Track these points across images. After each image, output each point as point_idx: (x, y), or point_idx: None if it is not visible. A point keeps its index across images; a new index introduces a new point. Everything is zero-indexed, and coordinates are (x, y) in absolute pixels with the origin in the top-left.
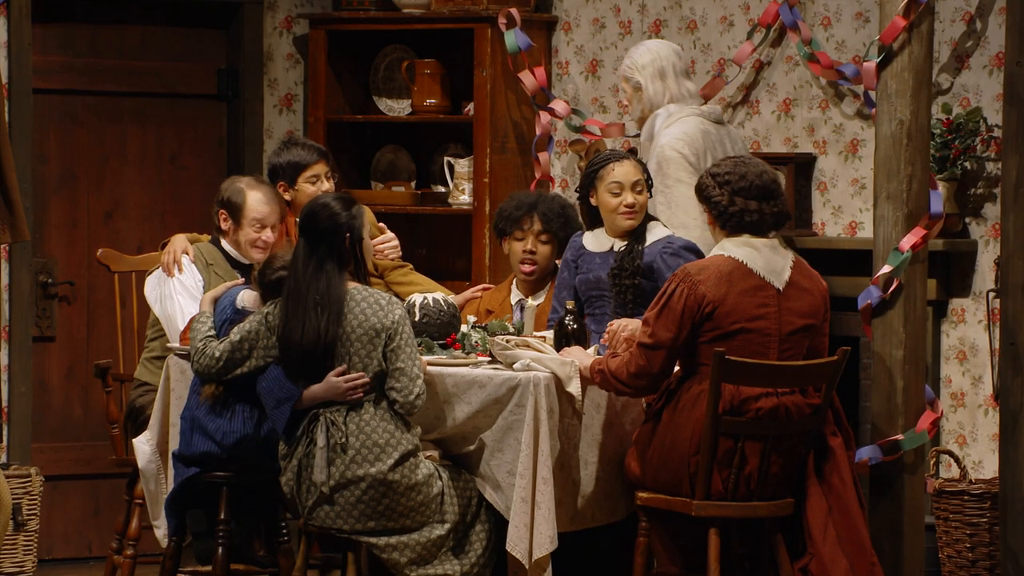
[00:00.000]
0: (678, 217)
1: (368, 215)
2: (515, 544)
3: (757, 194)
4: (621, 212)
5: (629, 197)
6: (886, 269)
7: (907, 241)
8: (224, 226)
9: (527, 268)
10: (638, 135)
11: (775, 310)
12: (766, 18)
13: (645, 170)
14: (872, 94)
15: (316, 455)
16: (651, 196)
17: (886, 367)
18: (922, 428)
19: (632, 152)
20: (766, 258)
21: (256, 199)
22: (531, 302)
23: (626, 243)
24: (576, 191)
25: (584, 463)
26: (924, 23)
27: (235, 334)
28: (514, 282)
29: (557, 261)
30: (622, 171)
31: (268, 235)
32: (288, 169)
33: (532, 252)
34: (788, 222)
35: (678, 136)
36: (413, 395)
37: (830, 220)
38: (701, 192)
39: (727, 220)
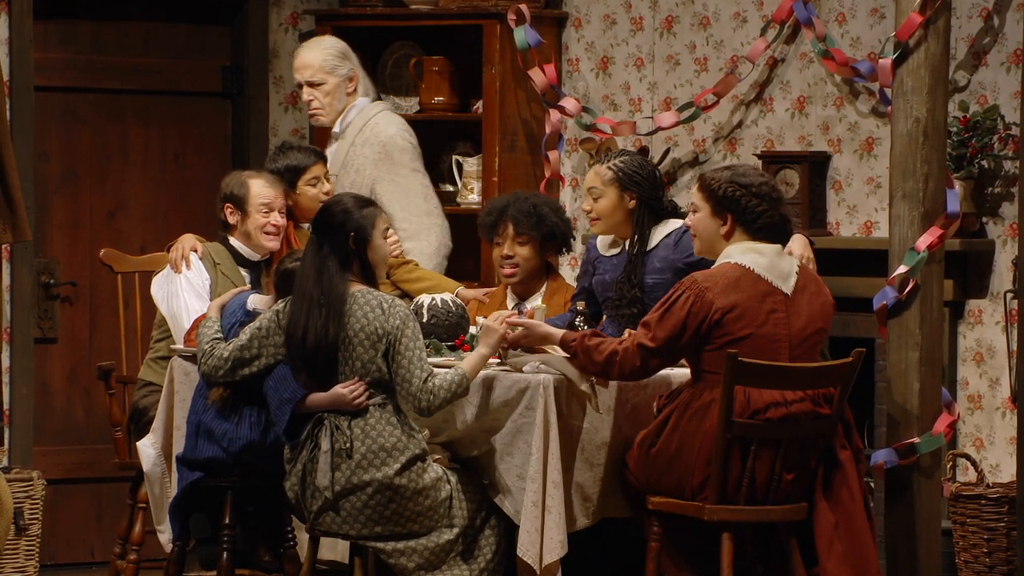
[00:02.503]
0: (419, 205)
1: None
2: (526, 549)
3: (782, 202)
4: (588, 218)
5: (586, 203)
6: (902, 269)
7: (923, 241)
8: (231, 220)
9: (507, 271)
10: (650, 133)
11: (784, 315)
12: (780, 14)
13: (617, 176)
14: (888, 91)
15: (320, 459)
16: (633, 200)
17: (902, 369)
18: (938, 431)
19: (643, 151)
20: (773, 263)
21: (259, 184)
22: (540, 304)
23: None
24: None
25: (590, 465)
26: (940, 19)
27: (244, 334)
28: (508, 288)
29: (551, 260)
30: (588, 176)
31: (277, 219)
32: (287, 173)
33: (510, 256)
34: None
35: (402, 127)
36: (422, 402)
37: (845, 220)
38: (734, 203)
39: (772, 229)
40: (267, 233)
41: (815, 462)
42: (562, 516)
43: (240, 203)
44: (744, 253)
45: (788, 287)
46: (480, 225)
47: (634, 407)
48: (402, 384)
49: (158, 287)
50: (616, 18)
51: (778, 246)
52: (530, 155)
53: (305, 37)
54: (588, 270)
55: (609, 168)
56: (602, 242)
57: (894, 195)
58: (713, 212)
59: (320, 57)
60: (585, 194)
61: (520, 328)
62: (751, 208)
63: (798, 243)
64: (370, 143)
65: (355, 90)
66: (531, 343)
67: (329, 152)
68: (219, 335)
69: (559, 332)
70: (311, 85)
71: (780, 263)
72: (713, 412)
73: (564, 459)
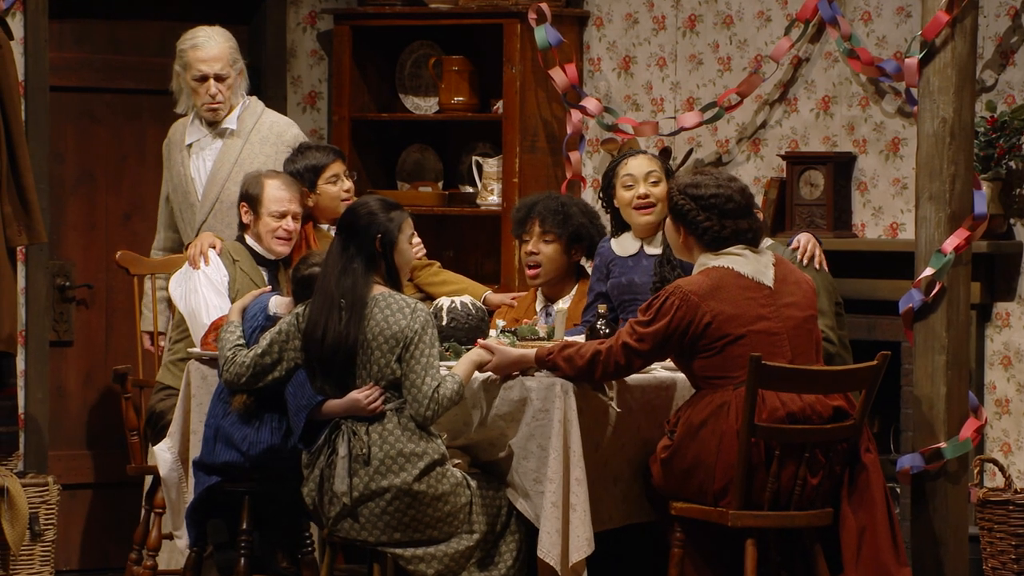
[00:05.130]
0: None
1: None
2: (548, 551)
3: (742, 213)
4: (635, 206)
5: (641, 188)
6: (928, 272)
7: (950, 243)
8: (246, 219)
9: (530, 272)
10: (673, 134)
11: (774, 308)
12: (804, 13)
13: (665, 166)
14: (914, 91)
15: (337, 465)
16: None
17: (928, 373)
18: (965, 436)
19: (666, 152)
20: (750, 260)
21: (274, 186)
22: (560, 305)
23: (660, 251)
24: (599, 195)
25: (605, 463)
26: (968, 18)
27: (264, 339)
28: (538, 289)
29: (584, 262)
30: (635, 163)
31: (288, 223)
32: (307, 173)
33: (534, 253)
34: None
35: (297, 127)
36: (427, 410)
37: (870, 221)
38: (683, 216)
39: (721, 243)
40: (278, 238)
41: (840, 467)
42: (587, 513)
43: (254, 203)
44: (720, 256)
45: (769, 280)
46: (513, 222)
47: (653, 408)
48: (410, 389)
49: (176, 285)
50: (638, 17)
51: (745, 246)
52: (551, 156)
53: (323, 37)
54: (602, 274)
55: (656, 157)
56: (616, 245)
57: (920, 196)
58: (672, 221)
59: (227, 49)
60: (639, 181)
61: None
62: (698, 223)
63: (803, 236)
64: (270, 142)
65: (241, 84)
66: (505, 370)
67: (212, 148)
68: (241, 341)
69: (531, 353)
70: (218, 79)
71: (757, 259)
72: (724, 415)
73: (584, 458)
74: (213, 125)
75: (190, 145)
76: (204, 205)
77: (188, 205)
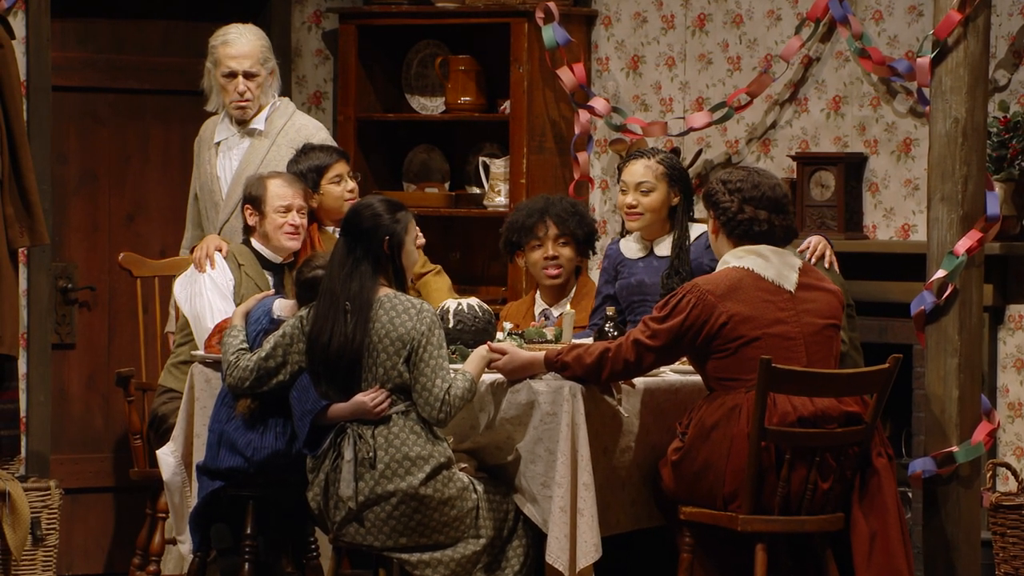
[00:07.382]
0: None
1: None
2: (556, 556)
3: (768, 205)
4: (625, 213)
5: (630, 197)
6: (940, 274)
7: (962, 244)
8: (251, 222)
9: (553, 272)
10: (682, 134)
11: (793, 313)
12: (815, 12)
13: (668, 172)
14: (926, 91)
15: (343, 469)
16: (677, 197)
17: (940, 376)
18: (978, 440)
19: (675, 152)
20: (772, 263)
21: (277, 184)
22: (569, 308)
23: (668, 253)
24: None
25: (614, 468)
26: (980, 17)
27: (268, 342)
28: (538, 292)
29: (596, 265)
30: (628, 171)
31: (295, 218)
32: (310, 173)
33: (554, 257)
34: (795, 239)
35: (326, 130)
36: (439, 412)
37: (882, 223)
38: (709, 197)
39: (734, 228)
40: (286, 233)
41: (851, 471)
42: (595, 518)
43: (258, 203)
44: (741, 257)
45: (791, 284)
46: (515, 229)
47: (662, 412)
48: (421, 392)
49: (181, 287)
50: (647, 16)
51: (777, 247)
52: (559, 156)
53: (328, 36)
54: (611, 276)
55: (659, 163)
56: (626, 246)
57: (932, 197)
58: (704, 207)
59: (258, 47)
60: (630, 188)
61: (503, 356)
62: (720, 203)
63: (814, 238)
64: (297, 144)
65: (272, 84)
66: (515, 373)
67: (240, 147)
68: (244, 345)
69: (540, 357)
70: (247, 76)
71: (781, 263)
72: (735, 418)
73: (592, 462)
74: (242, 124)
75: (218, 143)
76: (228, 204)
77: (213, 204)
